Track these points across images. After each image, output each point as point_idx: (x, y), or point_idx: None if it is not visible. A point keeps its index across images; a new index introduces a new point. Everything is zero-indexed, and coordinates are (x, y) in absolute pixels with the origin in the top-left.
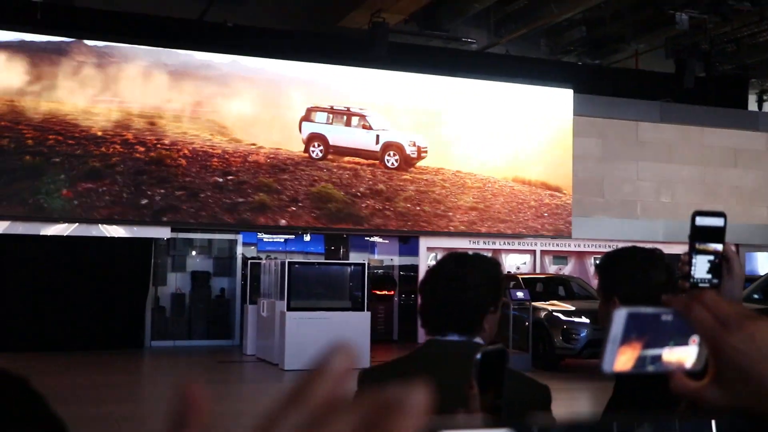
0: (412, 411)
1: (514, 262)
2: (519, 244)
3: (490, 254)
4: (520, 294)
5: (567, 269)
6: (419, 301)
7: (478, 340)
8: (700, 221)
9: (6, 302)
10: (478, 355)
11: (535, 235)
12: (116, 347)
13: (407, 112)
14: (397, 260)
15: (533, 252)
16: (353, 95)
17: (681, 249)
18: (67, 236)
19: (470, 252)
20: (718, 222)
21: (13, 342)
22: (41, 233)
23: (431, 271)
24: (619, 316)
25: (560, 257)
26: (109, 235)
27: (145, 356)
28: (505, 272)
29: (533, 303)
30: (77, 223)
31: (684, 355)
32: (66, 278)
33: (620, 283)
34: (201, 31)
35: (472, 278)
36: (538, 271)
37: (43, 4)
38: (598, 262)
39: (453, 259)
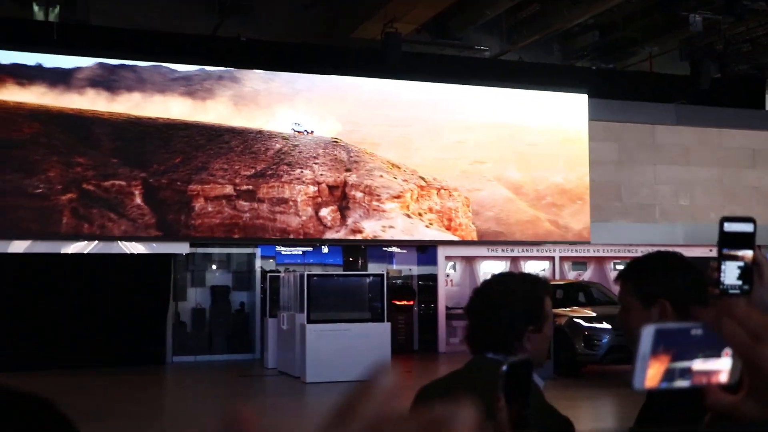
0: (460, 428)
1: (533, 270)
2: (537, 251)
3: (508, 262)
4: None
5: (586, 275)
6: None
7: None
8: (729, 227)
9: (27, 321)
10: (505, 367)
11: (553, 241)
12: (138, 363)
13: (420, 121)
14: (415, 270)
15: (552, 258)
16: (367, 106)
17: (702, 252)
18: (86, 254)
19: (515, 271)
20: (747, 228)
21: (34, 360)
22: (61, 251)
23: (474, 292)
24: (647, 332)
25: (579, 263)
26: (128, 252)
27: (168, 372)
28: None
29: (554, 310)
30: (96, 241)
31: (717, 368)
32: (86, 296)
33: (667, 286)
34: (214, 46)
35: (505, 298)
36: (557, 277)
37: (58, 24)
38: (625, 267)
39: (493, 279)
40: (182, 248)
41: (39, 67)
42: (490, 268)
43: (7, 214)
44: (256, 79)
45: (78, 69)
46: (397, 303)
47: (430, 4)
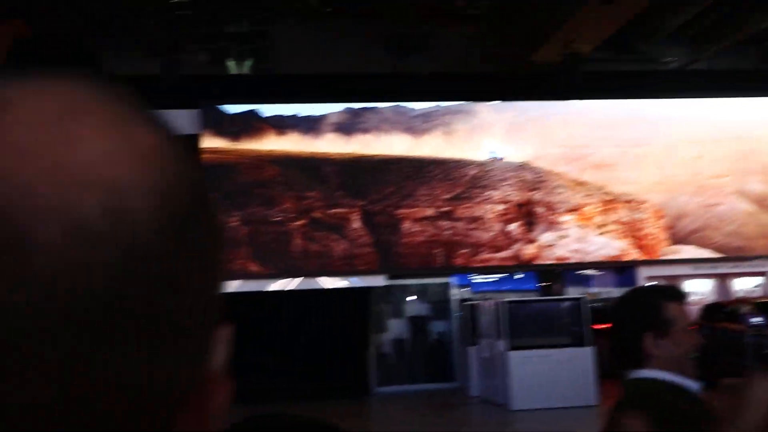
0: None
1: (743, 287)
2: (748, 266)
3: (714, 280)
4: (756, 319)
5: None
6: None
7: (647, 372)
8: None
9: (235, 357)
10: None
11: (763, 256)
12: (344, 395)
13: (610, 140)
14: (615, 292)
15: (765, 274)
16: (557, 130)
17: None
18: (289, 291)
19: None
20: None
21: (243, 395)
22: (266, 290)
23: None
24: None
25: None
26: (328, 287)
27: (373, 403)
28: (735, 297)
29: None
30: (300, 278)
31: None
32: (291, 331)
33: None
34: (397, 83)
35: (620, 311)
36: None
37: (250, 76)
38: None
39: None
40: (379, 281)
41: (294, 117)
42: (695, 287)
43: (253, 239)
44: (484, 111)
45: (326, 116)
46: (598, 327)
47: (609, 21)
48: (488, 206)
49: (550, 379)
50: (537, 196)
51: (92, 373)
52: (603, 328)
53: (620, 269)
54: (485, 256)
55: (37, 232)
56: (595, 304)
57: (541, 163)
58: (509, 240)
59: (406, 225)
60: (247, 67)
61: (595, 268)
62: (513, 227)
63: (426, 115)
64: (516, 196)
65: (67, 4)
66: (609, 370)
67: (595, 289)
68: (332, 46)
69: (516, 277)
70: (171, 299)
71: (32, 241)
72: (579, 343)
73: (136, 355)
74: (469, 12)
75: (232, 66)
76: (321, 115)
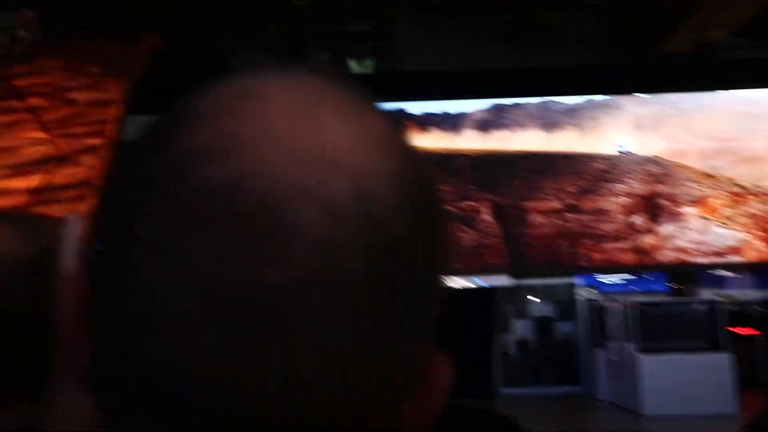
0: None
1: None
2: None
3: None
4: None
5: None
6: None
7: None
8: None
9: None
10: None
11: None
12: (468, 396)
13: (763, 132)
14: (753, 294)
15: None
16: (700, 122)
17: None
18: None
19: None
20: None
21: None
22: None
23: None
24: None
25: None
26: (453, 287)
27: (499, 404)
28: None
29: None
30: None
31: None
32: None
33: None
34: (523, 78)
35: None
36: None
37: (372, 75)
38: None
39: None
40: (504, 281)
41: (440, 114)
42: None
43: None
44: (627, 105)
45: (471, 112)
46: (735, 331)
47: (746, 5)
48: (613, 199)
49: (685, 385)
50: (662, 188)
51: (349, 348)
52: (743, 333)
53: (759, 270)
54: (606, 246)
55: (297, 214)
56: (732, 307)
57: (679, 158)
58: (631, 231)
59: (533, 217)
60: (368, 66)
61: (730, 270)
62: (636, 219)
63: (572, 111)
64: (641, 189)
65: (194, 11)
66: (749, 378)
67: (730, 291)
68: (452, 43)
69: (645, 278)
70: (411, 281)
71: (293, 223)
72: (714, 347)
73: (385, 333)
74: (592, 0)
75: (353, 65)
76: (465, 112)
